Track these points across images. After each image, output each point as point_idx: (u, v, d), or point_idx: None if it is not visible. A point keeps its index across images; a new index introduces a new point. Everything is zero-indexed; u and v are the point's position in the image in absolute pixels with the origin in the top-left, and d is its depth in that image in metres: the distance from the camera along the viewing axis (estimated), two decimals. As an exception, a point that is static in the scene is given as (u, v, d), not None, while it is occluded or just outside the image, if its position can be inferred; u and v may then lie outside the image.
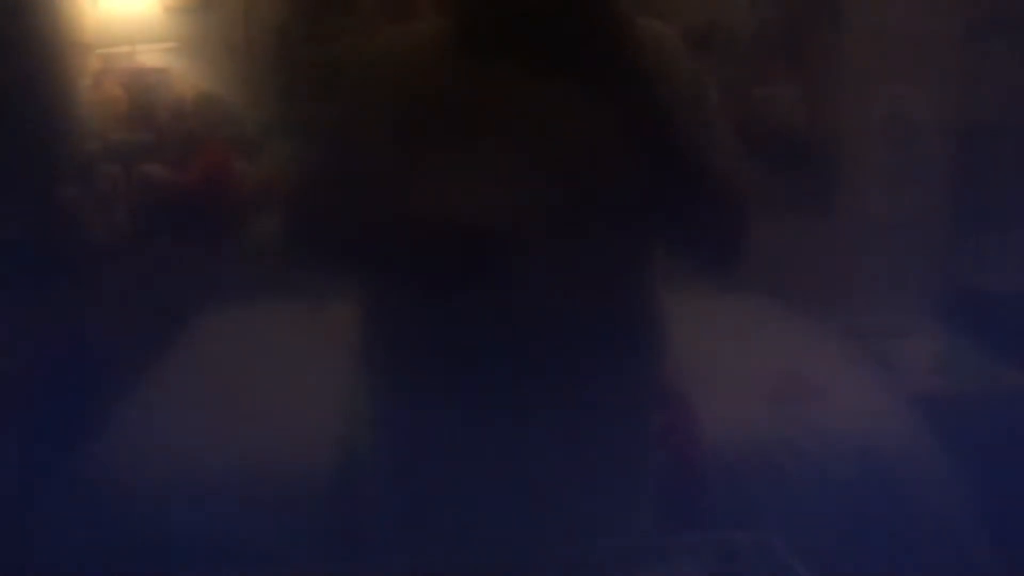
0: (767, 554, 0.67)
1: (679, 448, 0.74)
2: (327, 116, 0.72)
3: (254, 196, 0.74)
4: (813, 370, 0.74)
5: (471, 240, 0.73)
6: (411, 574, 0.63)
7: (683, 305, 0.71)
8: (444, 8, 0.68)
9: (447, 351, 0.75)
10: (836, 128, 0.72)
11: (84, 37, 0.71)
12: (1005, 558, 0.72)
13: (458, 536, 0.68)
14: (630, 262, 0.72)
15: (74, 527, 0.78)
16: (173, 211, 0.75)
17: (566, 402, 0.68)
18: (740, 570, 0.67)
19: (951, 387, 0.75)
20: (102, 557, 0.78)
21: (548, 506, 0.67)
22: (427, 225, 0.72)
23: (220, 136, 0.73)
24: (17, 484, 0.79)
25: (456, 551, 0.67)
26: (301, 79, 0.73)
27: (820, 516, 0.72)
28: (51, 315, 0.77)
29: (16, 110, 0.72)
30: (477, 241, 0.72)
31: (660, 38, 0.66)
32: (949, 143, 0.71)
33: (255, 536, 0.78)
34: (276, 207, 0.74)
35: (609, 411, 0.68)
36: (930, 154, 0.71)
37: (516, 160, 0.71)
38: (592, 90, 0.65)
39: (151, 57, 0.72)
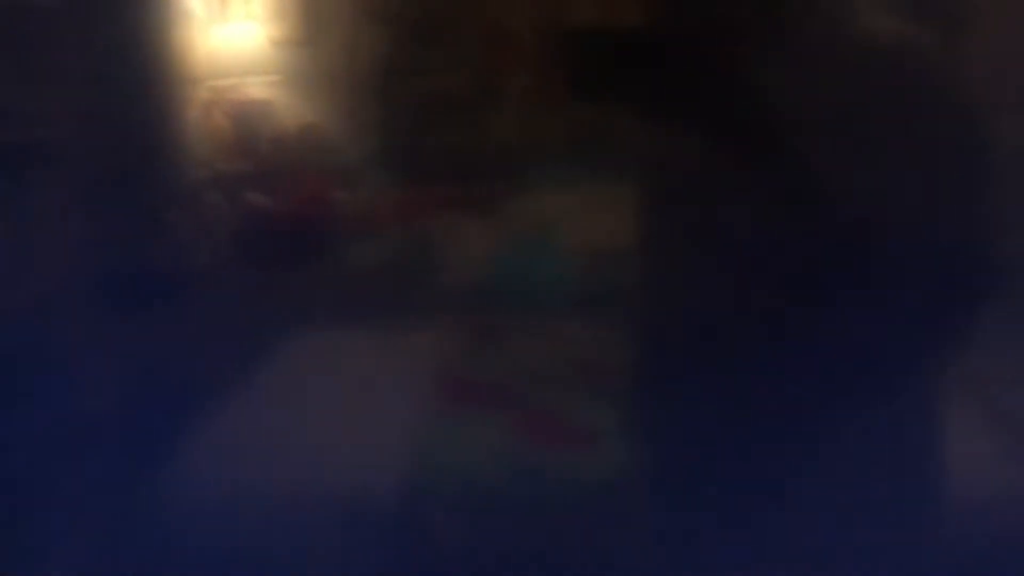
0: None
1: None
2: (428, 147, 0.73)
3: (353, 225, 0.75)
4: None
5: (570, 269, 0.73)
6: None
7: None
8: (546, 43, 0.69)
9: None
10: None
11: (194, 70, 0.74)
12: None
13: None
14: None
15: (162, 540, 0.81)
16: (274, 238, 0.76)
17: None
18: None
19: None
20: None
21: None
22: (525, 256, 0.73)
23: (321, 166, 0.74)
24: (114, 498, 0.82)
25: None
26: (402, 111, 0.74)
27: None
28: (155, 336, 0.79)
29: (129, 139, 0.75)
30: (577, 271, 0.73)
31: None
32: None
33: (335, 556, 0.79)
34: (375, 236, 0.75)
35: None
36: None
37: (620, 190, 0.71)
38: None
39: (256, 89, 0.74)
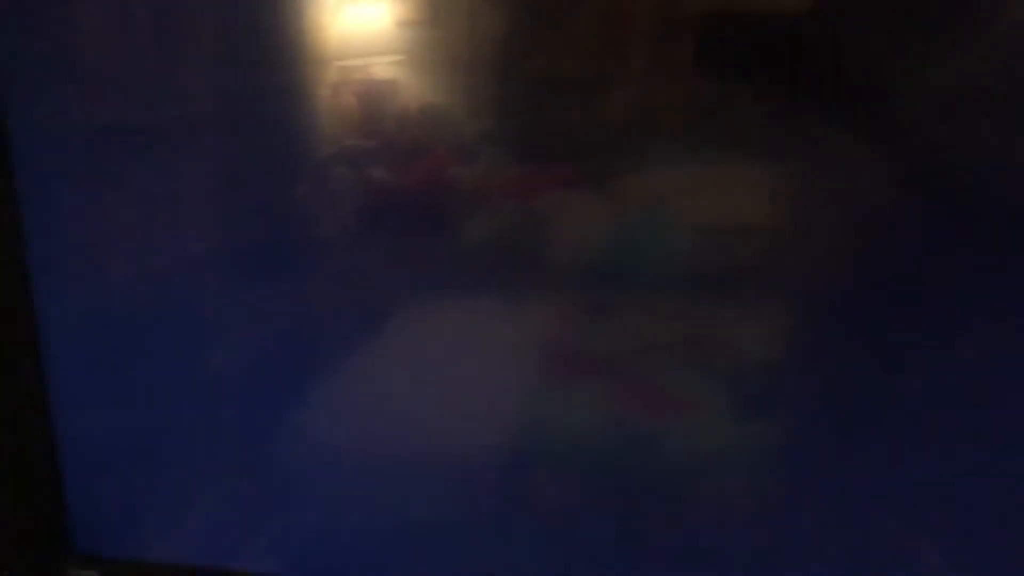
0: None
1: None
2: (545, 126, 0.75)
3: (471, 200, 0.78)
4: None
5: (685, 250, 0.74)
6: None
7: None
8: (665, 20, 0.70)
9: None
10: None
11: (324, 51, 0.77)
12: None
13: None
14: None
15: (252, 513, 0.86)
16: (395, 212, 0.80)
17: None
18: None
19: None
20: (266, 547, 0.85)
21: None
22: (641, 237, 0.74)
23: (442, 143, 0.77)
24: (199, 468, 0.87)
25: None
26: (521, 90, 0.76)
27: None
28: (288, 305, 0.84)
29: (263, 117, 0.79)
30: (692, 251, 0.74)
31: None
32: None
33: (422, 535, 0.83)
34: (492, 211, 0.78)
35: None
36: None
37: (741, 167, 0.72)
38: None
39: (382, 69, 0.77)
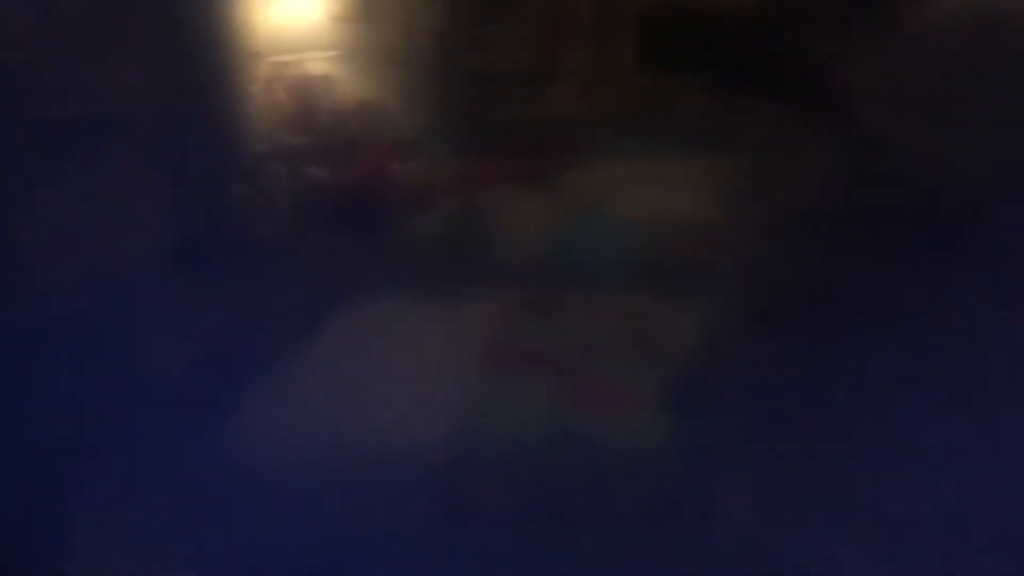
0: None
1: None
2: (483, 121, 0.74)
3: (409, 196, 0.77)
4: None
5: (629, 244, 0.74)
6: None
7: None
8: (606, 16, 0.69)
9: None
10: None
11: (256, 47, 0.75)
12: None
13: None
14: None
15: (198, 518, 0.84)
16: (332, 209, 0.78)
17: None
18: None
19: None
20: (221, 545, 0.83)
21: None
22: (583, 231, 0.74)
23: (379, 140, 0.76)
24: (155, 465, 0.85)
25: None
26: (458, 85, 0.75)
27: None
28: (215, 302, 0.82)
29: (193, 114, 0.77)
30: (637, 245, 0.74)
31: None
32: None
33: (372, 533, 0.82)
34: (431, 208, 0.77)
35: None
36: None
37: (684, 160, 0.72)
38: None
39: (316, 65, 0.75)
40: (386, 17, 0.74)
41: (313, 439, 0.81)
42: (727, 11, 0.66)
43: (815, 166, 0.67)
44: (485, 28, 0.72)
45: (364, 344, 0.79)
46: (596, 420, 0.77)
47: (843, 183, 0.67)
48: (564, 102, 0.72)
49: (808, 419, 0.72)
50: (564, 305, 0.75)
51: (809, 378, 0.71)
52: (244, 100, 0.76)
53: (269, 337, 0.81)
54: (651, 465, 0.76)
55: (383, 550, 0.82)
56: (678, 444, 0.75)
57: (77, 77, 0.77)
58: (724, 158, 0.69)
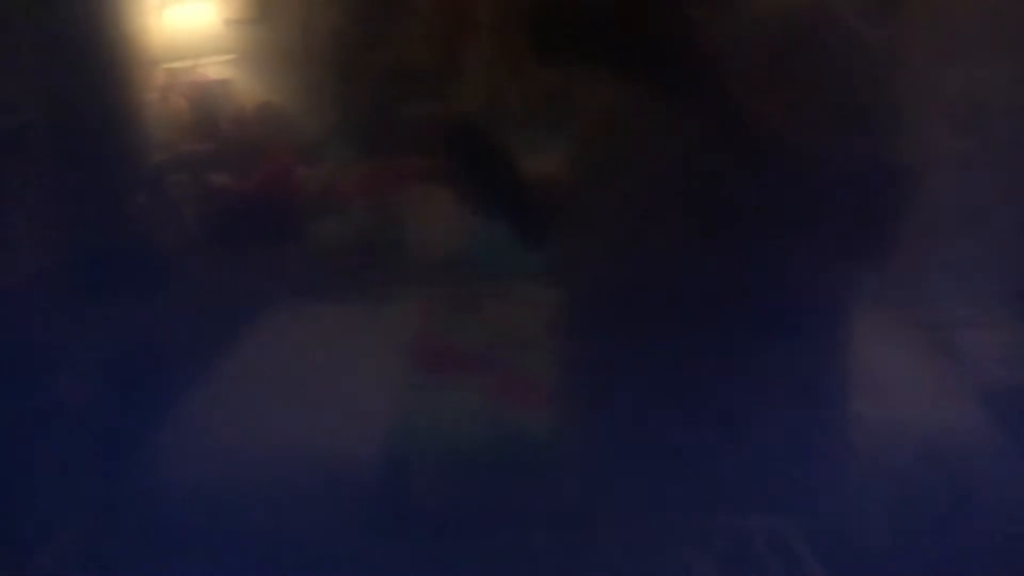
0: (778, 541, 0.69)
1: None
2: (385, 121, 0.73)
3: (317, 200, 0.76)
4: (880, 361, 0.74)
5: (542, 236, 0.74)
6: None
7: (750, 296, 0.71)
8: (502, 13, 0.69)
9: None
10: (906, 117, 0.70)
11: (150, 53, 0.73)
12: None
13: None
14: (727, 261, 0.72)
15: (127, 525, 0.82)
16: (237, 216, 0.77)
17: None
18: (750, 556, 0.69)
19: (1019, 378, 0.74)
20: (145, 555, 0.81)
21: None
22: (492, 226, 0.73)
23: (281, 143, 0.74)
24: (72, 483, 0.83)
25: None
26: (359, 85, 0.74)
27: (872, 504, 0.73)
28: (121, 315, 0.80)
29: (89, 124, 0.75)
30: (550, 236, 0.74)
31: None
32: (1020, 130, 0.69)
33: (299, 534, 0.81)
34: (339, 210, 0.76)
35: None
36: (1001, 141, 0.69)
37: (588, 152, 0.72)
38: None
39: (213, 69, 0.74)
40: (283, 19, 0.73)
41: (229, 450, 0.80)
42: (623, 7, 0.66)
43: (711, 163, 0.67)
44: (384, 27, 0.72)
45: (275, 348, 0.78)
46: (516, 416, 0.77)
47: (737, 183, 0.67)
48: (466, 98, 0.71)
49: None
50: (476, 301, 0.75)
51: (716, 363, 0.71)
52: (141, 108, 0.75)
53: (177, 347, 0.79)
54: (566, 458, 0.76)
55: (307, 553, 0.81)
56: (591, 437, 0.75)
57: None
58: (627, 153, 0.69)
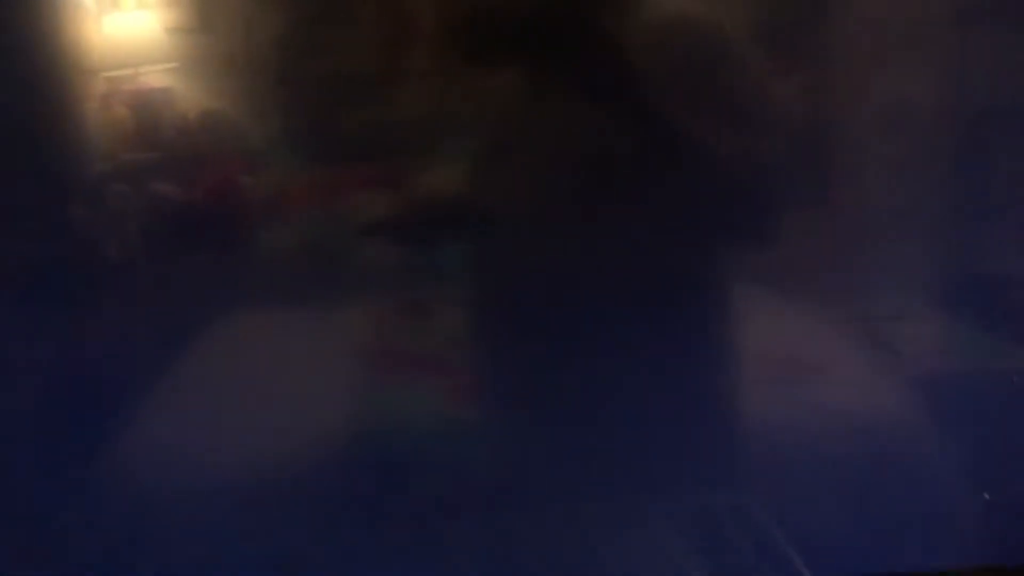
0: (743, 517, 0.74)
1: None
2: (329, 128, 0.73)
3: (261, 208, 0.75)
4: (813, 352, 0.77)
5: (483, 241, 0.76)
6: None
7: (688, 290, 0.75)
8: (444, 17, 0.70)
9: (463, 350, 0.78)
10: (836, 117, 0.74)
11: (88, 62, 0.73)
12: (998, 540, 0.76)
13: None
14: (636, 250, 0.77)
15: (78, 531, 0.81)
16: (182, 226, 0.76)
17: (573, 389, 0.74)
18: (716, 532, 0.75)
19: (950, 369, 0.78)
20: (105, 560, 0.80)
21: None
22: (438, 233, 0.74)
23: (226, 151, 0.74)
24: (25, 490, 0.82)
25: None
26: (303, 92, 0.74)
27: (809, 489, 0.78)
28: (62, 330, 0.79)
29: (26, 135, 0.74)
30: (490, 242, 0.76)
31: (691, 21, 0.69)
32: (949, 131, 0.73)
33: (257, 540, 0.81)
34: (282, 219, 0.76)
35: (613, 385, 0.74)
36: (930, 141, 0.73)
37: (525, 159, 0.74)
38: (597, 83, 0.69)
39: (154, 78, 0.73)
40: (225, 27, 0.73)
41: (166, 455, 0.79)
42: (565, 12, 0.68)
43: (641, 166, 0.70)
44: (327, 35, 0.72)
45: (222, 357, 0.77)
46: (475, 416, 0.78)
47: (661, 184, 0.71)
48: (410, 104, 0.72)
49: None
50: (426, 306, 0.75)
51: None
52: (81, 117, 0.74)
53: (121, 358, 0.78)
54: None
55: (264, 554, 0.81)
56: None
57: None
58: (576, 159, 0.71)
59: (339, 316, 0.76)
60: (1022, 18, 0.71)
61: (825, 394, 0.77)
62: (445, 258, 0.76)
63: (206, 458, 0.79)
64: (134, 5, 0.72)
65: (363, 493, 0.80)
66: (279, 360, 0.78)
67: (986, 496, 0.78)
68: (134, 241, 0.77)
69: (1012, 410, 0.78)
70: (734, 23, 0.68)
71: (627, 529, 0.79)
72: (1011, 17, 0.71)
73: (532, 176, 0.73)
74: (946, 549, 0.79)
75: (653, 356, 0.76)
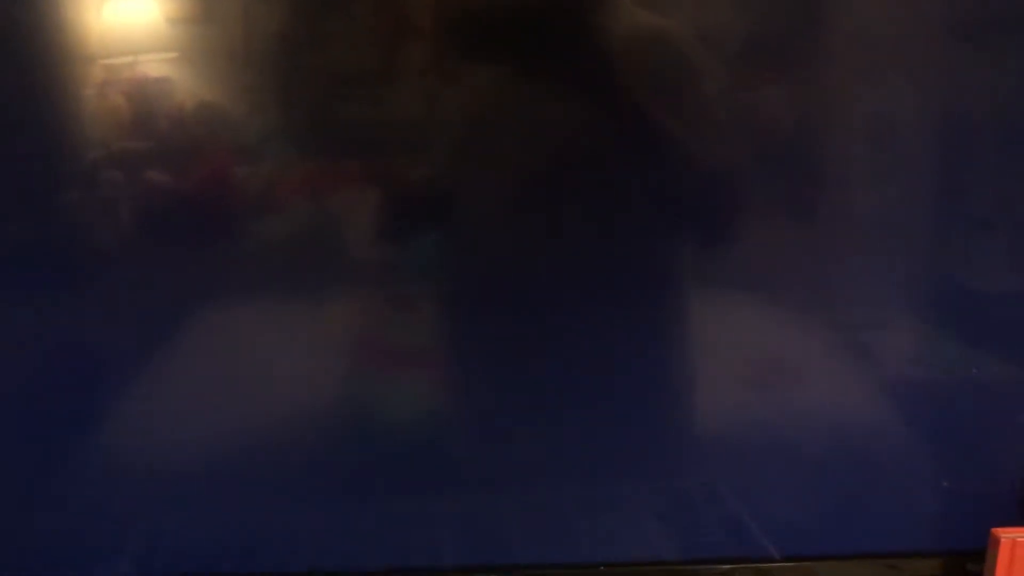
0: (714, 499, 0.77)
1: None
2: (325, 121, 0.74)
3: (254, 200, 0.76)
4: (793, 358, 0.79)
5: (470, 239, 0.77)
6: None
7: (672, 297, 0.76)
8: (439, 14, 0.71)
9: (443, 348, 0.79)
10: (820, 127, 0.75)
11: (87, 49, 0.73)
12: (966, 539, 0.78)
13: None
14: (618, 256, 0.79)
15: (71, 526, 0.81)
16: (174, 215, 0.77)
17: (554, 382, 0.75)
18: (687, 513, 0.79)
19: (927, 377, 0.79)
20: (96, 556, 0.81)
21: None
22: (427, 228, 0.75)
23: (221, 142, 0.75)
24: (17, 485, 0.82)
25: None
26: (300, 85, 0.75)
27: (783, 492, 0.82)
28: (54, 317, 0.79)
29: (22, 120, 0.74)
30: (476, 241, 0.77)
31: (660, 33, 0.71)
32: (931, 142, 0.75)
33: (248, 534, 0.81)
34: (275, 211, 0.76)
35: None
36: (913, 153, 0.75)
37: (513, 160, 0.75)
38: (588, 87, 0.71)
39: (153, 67, 0.74)
40: (225, 19, 0.73)
41: (157, 443, 0.80)
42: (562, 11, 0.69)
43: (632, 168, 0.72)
44: (325, 30, 0.73)
45: (211, 352, 0.78)
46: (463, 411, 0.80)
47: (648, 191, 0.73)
48: (410, 100, 0.73)
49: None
50: (417, 302, 0.76)
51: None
52: (77, 104, 0.74)
53: (111, 346, 0.79)
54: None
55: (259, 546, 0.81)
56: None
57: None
58: (570, 160, 0.72)
59: (329, 307, 0.77)
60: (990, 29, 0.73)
61: (801, 394, 0.79)
62: (433, 253, 0.77)
63: (197, 444, 0.80)
64: (134, -7, 0.73)
65: (348, 480, 0.81)
66: (269, 349, 0.79)
67: (945, 484, 0.81)
68: (125, 228, 0.77)
69: (969, 407, 0.81)
70: (717, 29, 0.70)
71: (602, 512, 0.81)
72: (978, 28, 0.73)
73: (523, 173, 0.74)
74: (909, 533, 0.82)
75: (628, 358, 0.78)
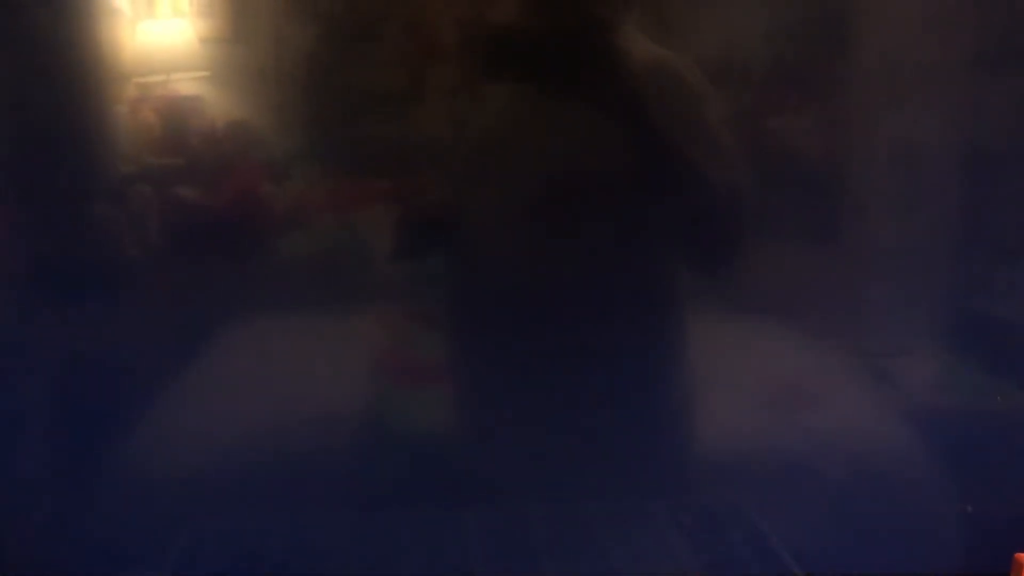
0: (738, 518, 0.80)
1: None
2: (353, 142, 0.75)
3: (282, 216, 0.77)
4: (815, 384, 0.79)
5: (491, 257, 0.77)
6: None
7: (692, 320, 0.77)
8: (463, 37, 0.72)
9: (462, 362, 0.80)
10: (843, 155, 0.76)
11: (121, 67, 0.75)
12: (989, 564, 0.78)
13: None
14: (635, 276, 0.79)
15: (89, 529, 0.82)
16: (203, 230, 0.78)
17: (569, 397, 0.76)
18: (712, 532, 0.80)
19: (949, 404, 0.79)
20: (116, 560, 0.82)
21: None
22: (450, 245, 0.76)
23: (250, 161, 0.76)
24: (44, 494, 0.83)
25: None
26: (328, 105, 0.76)
27: (807, 512, 0.82)
28: (85, 328, 0.80)
29: (57, 135, 0.76)
30: (497, 258, 0.77)
31: (664, 63, 0.72)
32: (954, 170, 0.75)
33: (266, 544, 0.82)
34: (302, 229, 0.77)
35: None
36: (936, 181, 0.75)
37: (533, 180, 0.76)
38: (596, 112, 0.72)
39: (185, 85, 0.75)
40: (257, 40, 0.75)
41: (186, 455, 0.81)
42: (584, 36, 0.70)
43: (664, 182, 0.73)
44: (355, 50, 0.74)
45: (237, 365, 0.79)
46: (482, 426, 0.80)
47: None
48: (434, 121, 0.74)
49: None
50: (441, 318, 0.77)
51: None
52: (110, 120, 0.75)
53: (140, 361, 0.80)
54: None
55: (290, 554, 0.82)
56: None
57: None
58: (592, 176, 0.72)
59: (353, 322, 0.78)
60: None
61: (828, 418, 0.80)
62: (455, 269, 0.78)
63: (220, 454, 0.81)
64: (170, 13, 0.74)
65: (368, 492, 0.82)
66: (295, 361, 0.80)
67: (969, 509, 0.81)
68: (155, 243, 0.78)
69: (994, 433, 0.81)
70: (729, 55, 0.71)
71: (623, 528, 0.82)
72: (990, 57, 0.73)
73: (543, 193, 0.75)
74: (933, 556, 0.82)
75: (652, 380, 0.79)
